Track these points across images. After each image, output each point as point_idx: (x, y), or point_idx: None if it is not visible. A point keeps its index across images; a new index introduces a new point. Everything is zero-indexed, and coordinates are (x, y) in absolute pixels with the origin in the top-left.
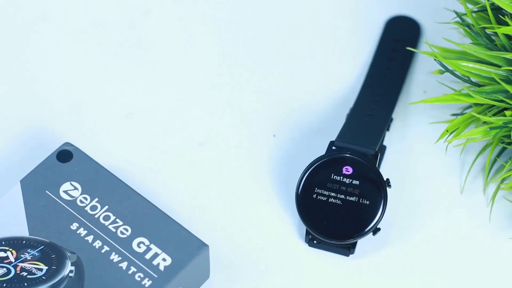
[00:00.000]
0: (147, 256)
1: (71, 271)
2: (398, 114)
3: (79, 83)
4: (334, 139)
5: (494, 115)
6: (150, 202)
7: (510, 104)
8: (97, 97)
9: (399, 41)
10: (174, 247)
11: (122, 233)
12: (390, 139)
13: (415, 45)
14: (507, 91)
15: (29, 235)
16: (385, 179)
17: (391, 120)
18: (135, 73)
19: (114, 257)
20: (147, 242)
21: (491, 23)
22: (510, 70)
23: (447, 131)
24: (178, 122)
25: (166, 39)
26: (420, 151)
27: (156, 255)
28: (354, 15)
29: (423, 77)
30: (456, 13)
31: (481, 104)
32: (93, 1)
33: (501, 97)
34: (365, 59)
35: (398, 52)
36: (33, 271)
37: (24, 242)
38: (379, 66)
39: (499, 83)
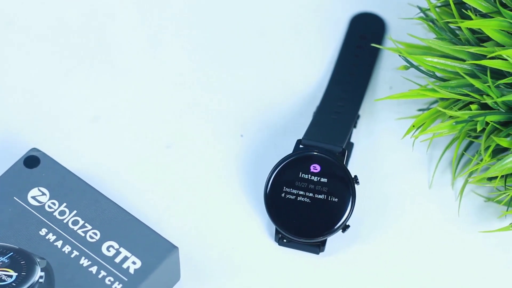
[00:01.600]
0: (117, 260)
1: (41, 277)
2: (364, 110)
3: (45, 88)
4: (301, 138)
5: (459, 109)
6: (118, 205)
7: (475, 98)
8: (62, 101)
9: (364, 38)
10: (143, 250)
11: (91, 237)
12: (357, 136)
13: (380, 42)
14: (472, 85)
15: None
16: (353, 176)
17: (358, 117)
18: (100, 76)
19: (84, 262)
20: (116, 245)
21: (455, 18)
22: (475, 64)
23: (413, 126)
24: (145, 124)
25: (130, 41)
26: (387, 147)
27: (125, 258)
28: (319, 13)
29: (389, 73)
30: (420, 8)
31: (447, 99)
32: (57, 6)
33: (466, 91)
34: (330, 57)
35: (364, 48)
36: (2, 278)
37: None
38: (345, 63)
39: (464, 77)
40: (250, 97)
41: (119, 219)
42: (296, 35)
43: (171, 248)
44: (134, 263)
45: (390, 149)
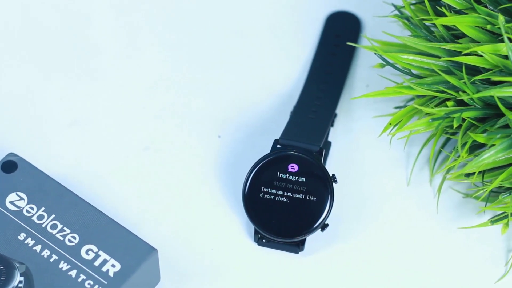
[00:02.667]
0: (96, 263)
1: (20, 282)
2: (342, 109)
3: (22, 93)
4: (278, 137)
5: (436, 106)
6: (96, 208)
7: (452, 95)
8: (40, 106)
9: (340, 37)
10: (122, 253)
11: (70, 241)
12: (335, 135)
13: (356, 40)
14: (448, 82)
15: None
16: (331, 175)
17: (335, 115)
18: (78, 80)
19: (63, 266)
20: (95, 249)
21: (430, 15)
22: (450, 60)
23: (390, 124)
24: (122, 127)
25: (107, 45)
26: (365, 145)
27: (105, 261)
28: (294, 12)
29: (366, 72)
30: (395, 6)
31: (423, 96)
32: (34, 10)
33: (442, 88)
34: (307, 56)
35: (340, 47)
36: None
37: None
38: (321, 62)
39: (439, 74)
40: (227, 97)
41: (98, 222)
42: (272, 35)
43: (150, 250)
44: (113, 266)
45: (367, 147)
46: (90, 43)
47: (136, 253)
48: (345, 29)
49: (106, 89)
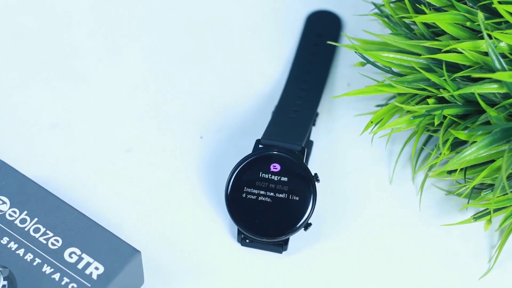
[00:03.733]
0: (79, 266)
1: (4, 286)
2: (323, 108)
3: (2, 96)
4: (260, 137)
5: (417, 103)
6: (79, 211)
7: (432, 92)
8: (21, 109)
9: (321, 36)
10: (106, 255)
11: (53, 244)
12: (316, 134)
13: (336, 39)
14: (429, 79)
15: None
16: (313, 174)
17: (317, 114)
18: (58, 83)
19: (47, 269)
20: (78, 252)
21: (409, 13)
22: (430, 58)
23: (371, 122)
24: (104, 130)
25: (87, 46)
26: (347, 144)
27: (88, 264)
28: (274, 12)
29: (347, 70)
30: (375, 4)
31: (404, 94)
32: (14, 13)
33: (423, 86)
34: (288, 55)
35: (321, 46)
36: None
37: None
38: (302, 62)
39: (420, 72)
40: (208, 98)
41: (81, 225)
42: (253, 35)
43: (134, 252)
44: (96, 268)
45: (349, 145)
46: (71, 46)
47: (119, 255)
48: (325, 28)
49: (87, 91)
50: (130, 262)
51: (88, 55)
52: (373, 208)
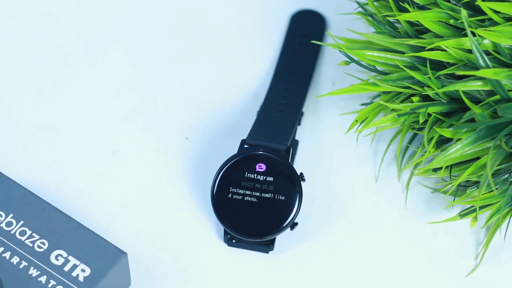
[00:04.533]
0: (66, 268)
1: None
2: (308, 107)
3: None
4: (245, 138)
5: (401, 102)
6: (65, 214)
7: (417, 90)
8: (5, 112)
9: (305, 35)
10: (92, 257)
11: (39, 247)
12: (302, 133)
13: (321, 38)
14: (413, 77)
15: None
16: (299, 174)
17: (302, 114)
18: (43, 85)
19: (33, 272)
20: (65, 254)
21: (393, 11)
22: (414, 56)
23: (356, 121)
24: (90, 131)
25: (72, 48)
26: (332, 143)
27: (74, 266)
28: (259, 12)
29: (332, 69)
30: (358, 3)
31: (389, 92)
32: None
33: (407, 84)
34: (272, 55)
35: (305, 46)
36: None
37: None
38: (287, 61)
39: (404, 70)
40: (193, 99)
41: (67, 227)
42: (237, 35)
43: (120, 254)
44: (83, 270)
45: (335, 145)
46: (56, 48)
47: (106, 257)
48: (310, 27)
49: (72, 93)
50: (116, 263)
51: (73, 56)
52: (359, 207)
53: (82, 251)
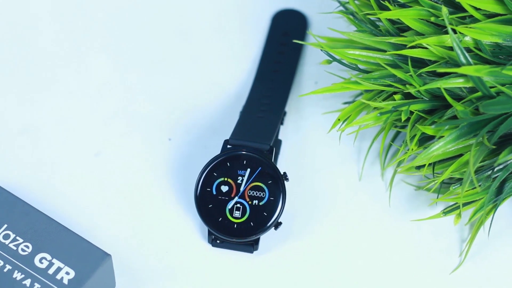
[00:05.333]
0: (50, 271)
1: None
2: (291, 107)
3: None
4: (228, 138)
5: (384, 100)
6: (49, 217)
7: (399, 88)
8: None
9: (287, 35)
10: (76, 260)
11: (23, 250)
12: (285, 133)
13: (303, 38)
14: (395, 75)
15: None
16: (282, 173)
17: (285, 113)
18: (26, 87)
19: (17, 275)
20: (49, 257)
21: (374, 9)
22: (396, 54)
23: (339, 120)
24: (72, 133)
25: (53, 51)
26: (315, 142)
27: (59, 269)
28: (240, 12)
29: (314, 68)
30: (339, 2)
31: (371, 90)
32: None
33: (389, 82)
34: (254, 55)
35: (287, 45)
36: None
37: None
38: (269, 61)
39: (386, 68)
40: (176, 100)
41: (50, 230)
42: (219, 35)
43: (104, 256)
44: (67, 273)
45: (318, 144)
46: (37, 51)
47: (90, 259)
48: (291, 27)
49: (54, 96)
50: (101, 266)
51: (54, 59)
52: (343, 205)
53: (66, 254)
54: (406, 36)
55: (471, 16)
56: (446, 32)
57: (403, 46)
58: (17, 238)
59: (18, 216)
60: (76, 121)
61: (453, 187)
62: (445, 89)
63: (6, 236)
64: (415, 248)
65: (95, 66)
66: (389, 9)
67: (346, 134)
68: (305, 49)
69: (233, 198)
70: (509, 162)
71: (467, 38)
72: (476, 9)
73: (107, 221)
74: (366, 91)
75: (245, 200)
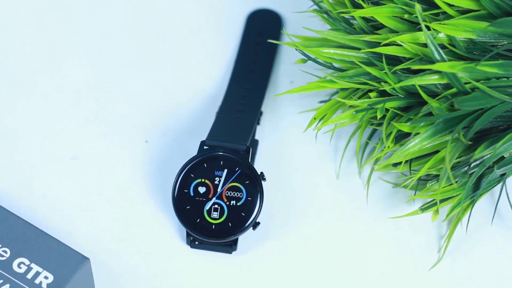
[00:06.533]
0: (29, 276)
1: None
2: (267, 106)
3: None
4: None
5: (359, 98)
6: (26, 221)
7: (374, 86)
8: None
9: (262, 34)
10: (54, 264)
11: (1, 255)
12: (262, 133)
13: (278, 37)
14: (370, 73)
15: None
16: (259, 173)
17: (261, 113)
18: (1, 91)
19: None
20: (27, 262)
21: (348, 8)
22: (370, 52)
23: (314, 118)
24: (49, 137)
25: (28, 54)
26: (292, 142)
27: (37, 273)
28: (215, 12)
29: (290, 68)
30: (313, 1)
31: (346, 89)
32: None
33: (364, 80)
34: (230, 56)
35: (262, 45)
36: None
37: None
38: (244, 61)
39: (360, 66)
40: (152, 102)
41: (28, 234)
42: (194, 37)
43: (82, 260)
44: (46, 277)
45: (295, 143)
46: (13, 55)
47: (68, 263)
48: (266, 26)
49: (31, 99)
50: (79, 269)
51: (30, 63)
52: (321, 204)
53: (44, 258)
54: (380, 34)
55: (444, 12)
56: (420, 29)
57: (378, 44)
58: None
59: None
60: (53, 125)
61: (430, 184)
62: (420, 86)
63: None
64: (394, 245)
65: (71, 69)
66: (363, 7)
67: (322, 133)
68: (281, 48)
69: (210, 199)
70: (485, 157)
71: (441, 35)
72: (450, 5)
73: (85, 224)
74: (342, 89)
75: (223, 200)
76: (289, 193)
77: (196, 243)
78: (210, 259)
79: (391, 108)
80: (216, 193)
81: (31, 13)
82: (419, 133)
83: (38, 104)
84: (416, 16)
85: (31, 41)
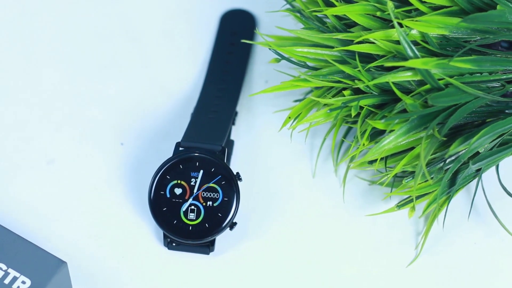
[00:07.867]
0: (6, 281)
1: None
2: (242, 106)
3: None
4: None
5: (333, 96)
6: (2, 226)
7: (348, 84)
8: None
9: (236, 34)
10: (32, 269)
11: None
12: (237, 133)
13: (251, 37)
14: (343, 71)
15: None
16: (235, 173)
17: (236, 113)
18: None
19: None
20: (4, 267)
21: (320, 6)
22: (344, 50)
23: (289, 118)
24: (23, 142)
25: (2, 59)
26: (268, 141)
27: (15, 279)
28: (188, 13)
29: (264, 67)
30: (286, 0)
31: (320, 87)
32: None
33: (338, 78)
34: (204, 56)
35: (236, 45)
36: None
37: None
38: (218, 62)
39: (334, 65)
40: (126, 104)
41: (4, 239)
42: (168, 38)
43: (60, 264)
44: (23, 282)
45: (270, 142)
46: None
47: (46, 267)
48: (240, 27)
49: (3, 104)
50: (56, 273)
51: (2, 68)
52: (297, 203)
53: (21, 263)
54: (353, 32)
55: (416, 9)
56: (393, 26)
57: (351, 42)
58: None
59: None
60: (27, 129)
61: (406, 181)
62: (393, 83)
63: None
64: (371, 242)
65: (45, 73)
66: (335, 6)
67: (297, 132)
68: (255, 48)
69: (187, 200)
70: (460, 153)
71: (413, 32)
72: (422, 2)
73: (62, 228)
74: (316, 88)
75: (199, 201)
76: (266, 192)
77: (174, 244)
78: (187, 261)
79: (365, 105)
80: (193, 194)
81: (2, 18)
82: (393, 130)
83: (12, 108)
84: (389, 14)
85: (3, 46)
